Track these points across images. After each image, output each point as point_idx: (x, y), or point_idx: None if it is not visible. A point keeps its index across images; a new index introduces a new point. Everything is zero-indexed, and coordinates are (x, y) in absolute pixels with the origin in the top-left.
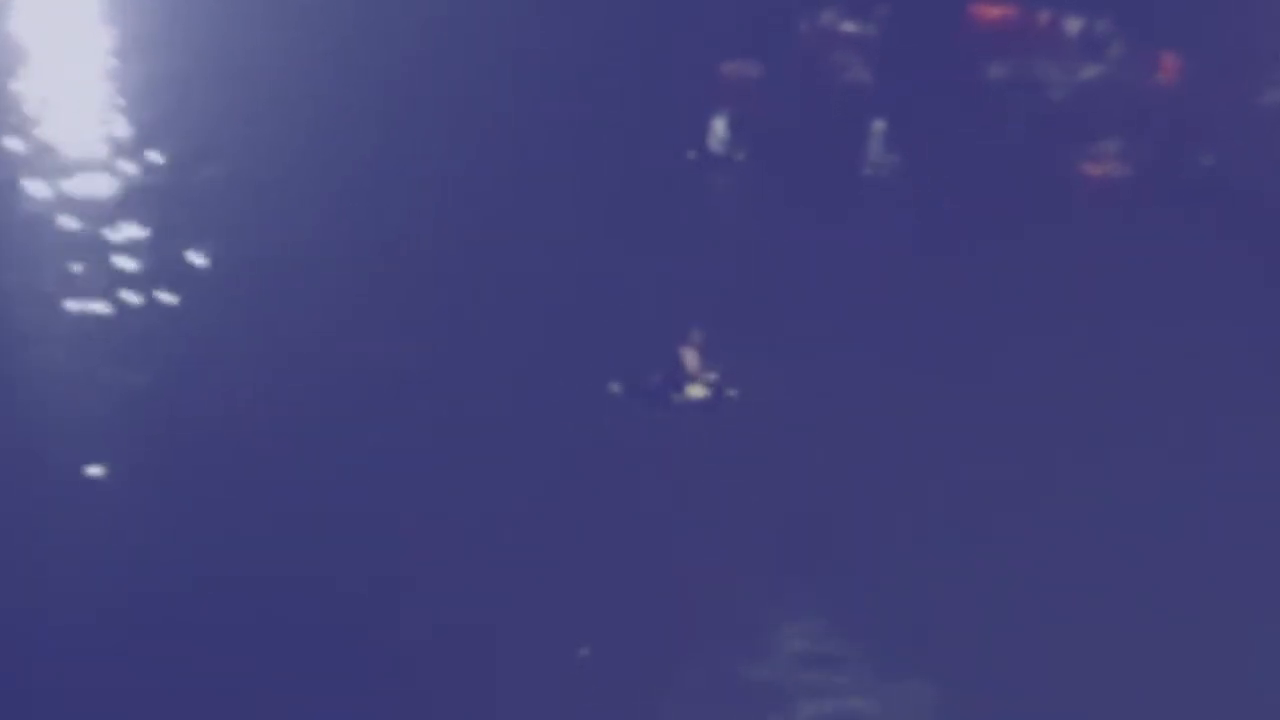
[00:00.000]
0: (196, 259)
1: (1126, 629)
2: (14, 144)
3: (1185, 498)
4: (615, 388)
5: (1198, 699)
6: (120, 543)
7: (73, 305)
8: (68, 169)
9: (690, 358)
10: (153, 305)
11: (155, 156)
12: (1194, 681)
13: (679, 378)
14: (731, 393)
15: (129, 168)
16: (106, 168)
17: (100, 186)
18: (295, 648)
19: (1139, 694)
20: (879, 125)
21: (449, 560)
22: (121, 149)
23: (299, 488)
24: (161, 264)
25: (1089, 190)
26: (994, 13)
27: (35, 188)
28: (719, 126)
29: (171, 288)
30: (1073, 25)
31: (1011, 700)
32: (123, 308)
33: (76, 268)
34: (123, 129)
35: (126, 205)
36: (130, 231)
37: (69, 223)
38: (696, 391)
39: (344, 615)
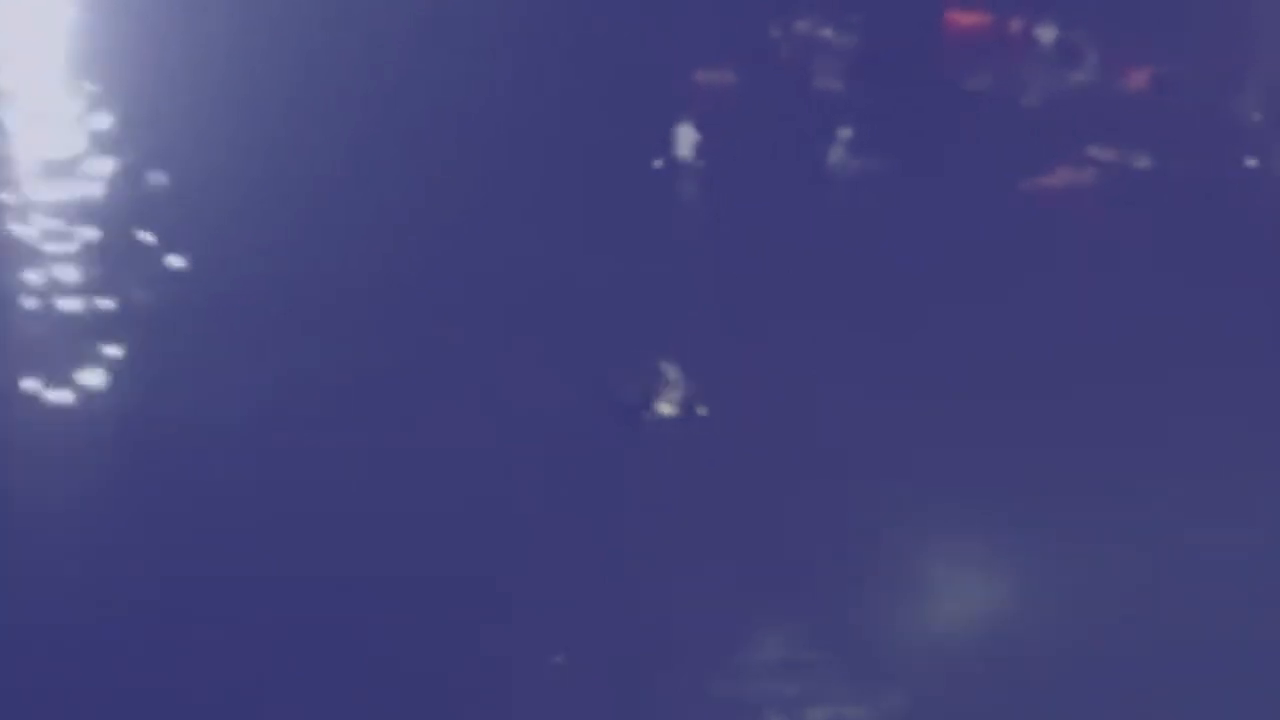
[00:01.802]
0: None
1: (1112, 630)
2: None
3: (1163, 504)
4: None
5: (1187, 698)
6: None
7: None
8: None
9: (672, 377)
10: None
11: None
12: (1183, 681)
13: (652, 394)
14: (702, 410)
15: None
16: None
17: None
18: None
19: (1125, 694)
20: (844, 132)
21: (414, 569)
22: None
23: (259, 494)
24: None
25: (1063, 196)
26: (969, 20)
27: None
28: (689, 134)
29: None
30: (1046, 34)
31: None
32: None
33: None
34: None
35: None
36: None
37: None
38: (668, 408)
39: (307, 625)
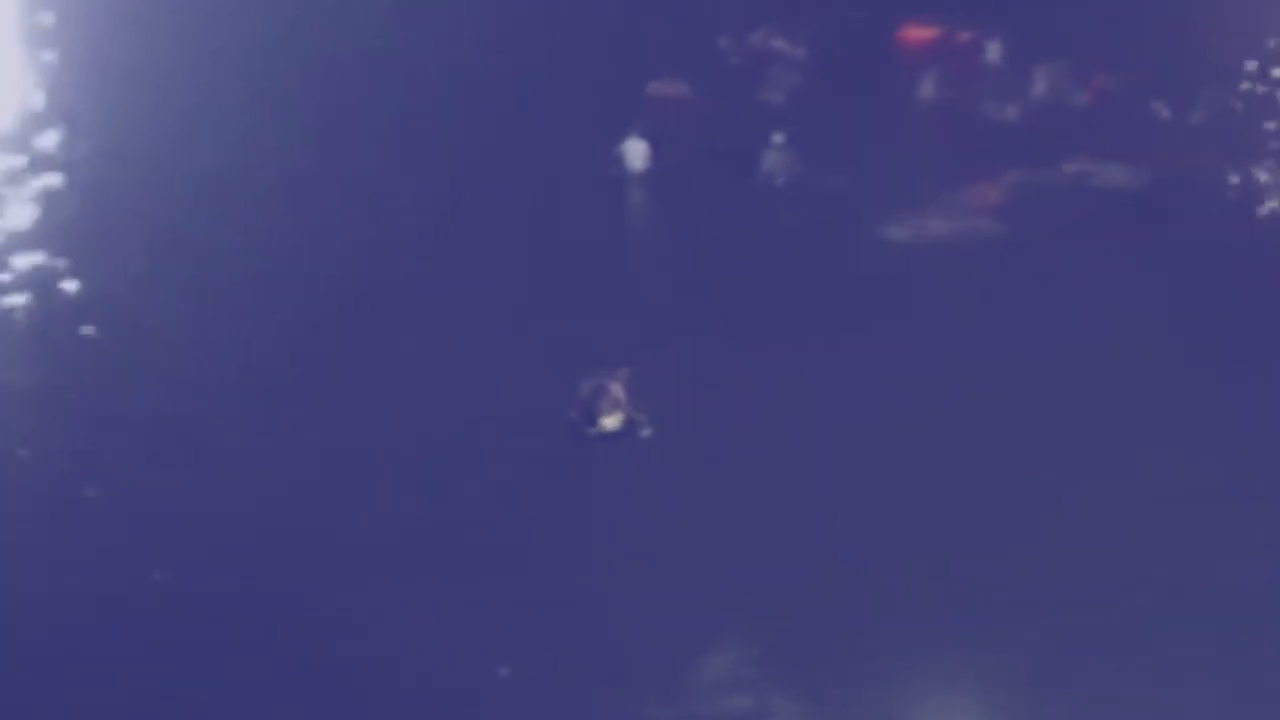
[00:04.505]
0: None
1: (1082, 647)
2: None
3: (1122, 517)
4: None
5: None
6: None
7: None
8: None
9: (616, 392)
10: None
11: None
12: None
13: (595, 410)
14: (646, 431)
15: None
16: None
17: None
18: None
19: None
20: (779, 138)
21: (356, 583)
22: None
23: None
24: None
25: (1015, 205)
26: (923, 34)
27: None
28: (640, 146)
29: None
30: (995, 50)
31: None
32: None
33: None
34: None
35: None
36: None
37: None
38: (611, 423)
39: (252, 626)
